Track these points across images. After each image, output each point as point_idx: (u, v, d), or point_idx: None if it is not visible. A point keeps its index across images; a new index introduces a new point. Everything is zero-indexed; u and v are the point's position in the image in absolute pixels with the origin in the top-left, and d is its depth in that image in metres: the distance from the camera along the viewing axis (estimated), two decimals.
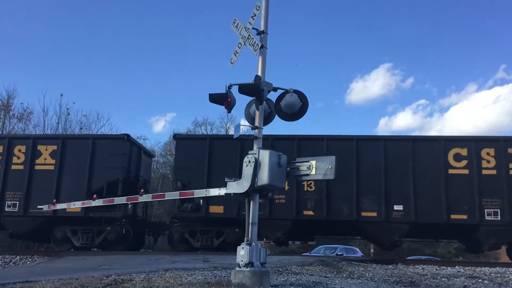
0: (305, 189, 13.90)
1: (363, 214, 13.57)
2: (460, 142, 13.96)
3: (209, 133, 37.51)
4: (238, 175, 13.92)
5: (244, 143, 13.72)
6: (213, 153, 14.37)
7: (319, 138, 14.47)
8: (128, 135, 15.28)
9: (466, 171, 13.48)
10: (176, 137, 15.63)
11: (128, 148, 14.97)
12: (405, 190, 13.47)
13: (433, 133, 73.37)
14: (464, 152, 13.66)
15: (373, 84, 79.18)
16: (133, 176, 15.42)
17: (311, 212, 13.76)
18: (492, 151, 13.56)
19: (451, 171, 13.52)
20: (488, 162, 13.50)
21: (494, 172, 13.39)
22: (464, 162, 13.58)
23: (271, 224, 13.87)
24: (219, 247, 14.02)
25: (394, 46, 77.91)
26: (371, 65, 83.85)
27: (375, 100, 78.99)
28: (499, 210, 13.11)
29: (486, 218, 13.07)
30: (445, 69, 78.53)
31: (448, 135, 14.23)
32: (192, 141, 15.84)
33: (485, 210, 13.14)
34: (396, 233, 13.73)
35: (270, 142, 13.55)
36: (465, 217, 13.17)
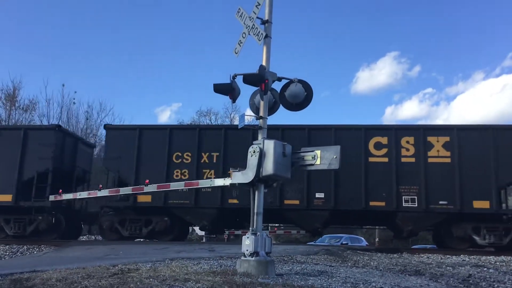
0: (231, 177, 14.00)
1: (286, 202, 13.81)
2: (381, 131, 14.22)
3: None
4: (166, 165, 14.23)
5: (172, 133, 14.45)
6: (142, 143, 14.66)
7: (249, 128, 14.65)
8: (59, 126, 15.63)
9: (385, 159, 13.68)
10: (106, 127, 15.69)
11: (60, 139, 15.16)
12: (327, 178, 13.59)
13: (439, 122, 73.09)
14: (384, 140, 13.84)
15: (379, 73, 78.80)
16: (67, 166, 15.59)
17: (235, 201, 13.92)
18: (411, 139, 13.74)
19: (371, 159, 13.72)
20: (408, 150, 13.67)
21: (413, 160, 13.55)
22: (384, 150, 13.76)
23: (197, 212, 14.21)
24: (148, 236, 14.42)
25: (401, 34, 77.37)
26: (377, 53, 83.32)
27: (381, 89, 78.67)
28: (416, 197, 13.34)
29: (404, 205, 13.32)
30: (452, 57, 77.98)
31: (368, 124, 14.40)
32: (122, 131, 15.80)
33: (403, 197, 13.37)
34: (318, 220, 13.99)
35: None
36: (383, 204, 13.42)
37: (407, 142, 13.73)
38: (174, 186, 7.60)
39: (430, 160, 13.48)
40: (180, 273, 5.58)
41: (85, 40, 61.29)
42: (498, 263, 10.63)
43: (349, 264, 9.00)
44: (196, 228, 29.22)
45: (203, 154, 14.25)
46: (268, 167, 6.10)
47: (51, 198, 10.62)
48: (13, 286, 4.94)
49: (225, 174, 13.60)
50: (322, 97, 67.03)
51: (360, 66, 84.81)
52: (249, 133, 13.62)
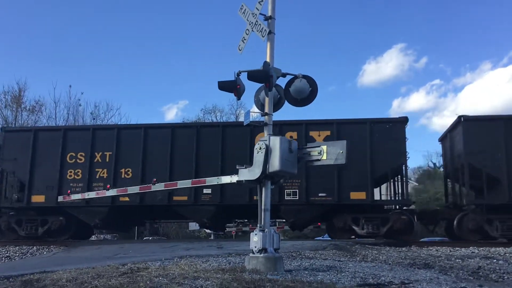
0: (123, 177, 14.63)
1: (175, 198, 14.22)
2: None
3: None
4: (59, 165, 14.76)
5: (66, 134, 15.05)
6: (37, 144, 15.15)
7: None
8: None
9: None
10: (4, 130, 16.26)
11: None
12: (215, 174, 13.63)
13: (447, 113, 72.75)
14: (294, 135, 14.10)
15: (386, 65, 78.59)
16: None
17: (126, 199, 14.29)
18: (294, 134, 14.10)
19: None
20: None
21: None
22: None
23: (89, 211, 14.68)
24: (44, 235, 14.88)
25: (408, 26, 77.06)
26: (384, 46, 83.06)
27: (388, 81, 78.44)
28: (297, 191, 13.73)
29: (286, 198, 13.80)
30: (459, 48, 77.60)
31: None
32: (18, 133, 16.26)
33: (285, 190, 13.77)
34: (205, 215, 14.47)
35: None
36: None
37: (291, 137, 13.73)
38: (182, 184, 7.61)
39: None
40: (189, 271, 5.59)
41: (91, 40, 61.53)
42: (507, 255, 10.58)
43: (358, 258, 8.99)
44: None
45: (96, 154, 14.72)
46: (275, 164, 6.09)
47: (60, 198, 10.66)
48: (24, 287, 4.97)
49: (118, 173, 14.43)
50: (329, 91, 66.96)
51: (366, 59, 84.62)
52: (140, 132, 14.85)
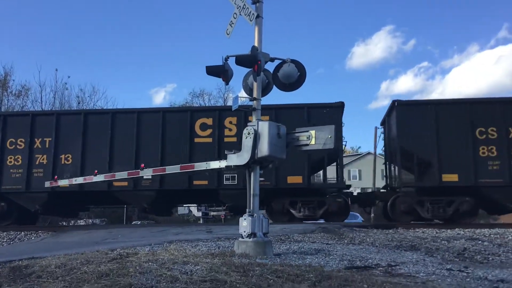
0: (63, 162, 14.75)
1: (115, 184, 14.28)
2: (206, 112, 14.94)
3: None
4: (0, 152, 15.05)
5: (6, 120, 15.08)
6: None
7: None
8: None
9: (210, 140, 14.30)
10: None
11: None
12: (155, 159, 14.15)
13: (434, 95, 73.18)
14: (209, 121, 14.43)
15: (375, 48, 78.72)
16: None
17: (66, 185, 13.96)
18: (234, 119, 14.39)
19: (196, 140, 14.35)
20: (230, 130, 14.31)
21: (234, 139, 14.11)
22: (209, 131, 14.37)
23: (29, 197, 14.79)
24: None
25: (396, 7, 76.87)
26: (373, 28, 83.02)
27: (377, 64, 78.63)
28: (236, 175, 13.98)
29: (224, 183, 14.05)
30: (447, 30, 77.80)
31: (195, 106, 14.95)
32: None
33: (224, 175, 14.02)
34: (145, 200, 14.70)
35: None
36: (206, 182, 14.12)
37: (230, 122, 14.38)
38: (170, 169, 7.61)
39: None
40: (179, 256, 5.62)
41: (77, 23, 60.57)
42: (492, 236, 10.77)
43: (346, 241, 9.09)
44: (193, 209, 29.53)
45: (36, 140, 14.73)
46: (263, 149, 6.10)
47: (47, 184, 10.59)
48: (12, 274, 4.95)
49: (57, 159, 14.47)
50: (317, 74, 66.94)
51: (355, 42, 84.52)
52: (80, 118, 14.91)
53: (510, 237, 10.41)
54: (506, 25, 79.65)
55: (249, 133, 6.19)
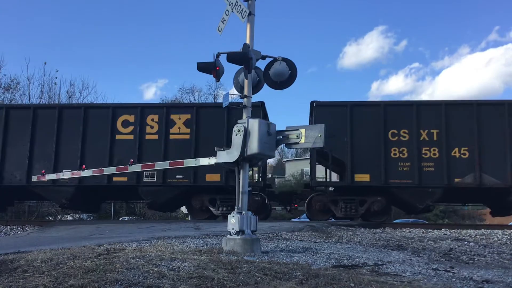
0: None
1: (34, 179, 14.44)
2: (128, 109, 14.93)
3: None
4: None
5: None
6: None
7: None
8: None
9: (131, 137, 14.45)
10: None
11: None
12: (74, 157, 14.41)
13: (424, 97, 73.54)
14: (131, 118, 14.56)
15: (366, 48, 79.03)
16: None
17: None
18: (156, 117, 14.53)
19: (118, 137, 14.50)
20: (152, 127, 14.47)
21: (156, 137, 14.38)
22: (130, 128, 14.50)
23: None
24: None
25: (389, 8, 77.18)
26: (365, 28, 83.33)
27: (368, 64, 78.96)
28: (155, 173, 14.18)
29: (144, 180, 14.20)
30: (438, 31, 78.30)
31: (117, 103, 15.13)
32: None
33: (144, 172, 14.15)
34: (64, 196, 14.76)
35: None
36: (125, 179, 14.28)
37: (152, 120, 14.54)
38: (159, 165, 7.58)
39: (171, 136, 14.37)
40: (166, 252, 5.60)
41: (68, 17, 60.05)
42: (478, 237, 10.89)
43: (333, 240, 9.13)
44: (183, 207, 29.46)
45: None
46: (253, 146, 6.10)
47: (34, 178, 10.51)
48: None
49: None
50: (308, 73, 67.05)
51: (347, 41, 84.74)
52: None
53: (496, 238, 10.53)
54: (497, 28, 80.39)
55: (239, 131, 6.19)
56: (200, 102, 14.15)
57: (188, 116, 14.37)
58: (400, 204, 14.94)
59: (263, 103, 14.57)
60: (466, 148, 13.55)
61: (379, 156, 13.70)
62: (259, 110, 14.29)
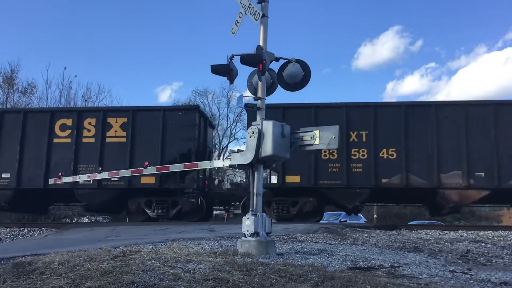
0: None
1: None
2: (66, 113, 15.22)
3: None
4: None
5: None
6: None
7: None
8: (198, 106, 16.21)
9: (68, 140, 14.60)
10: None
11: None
12: (13, 159, 14.65)
13: (440, 97, 72.89)
14: (69, 122, 14.72)
15: (382, 48, 78.46)
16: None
17: None
18: (93, 121, 14.67)
19: (56, 140, 14.65)
20: (89, 131, 14.60)
21: (92, 140, 14.52)
22: (68, 132, 14.66)
23: None
24: None
25: (405, 8, 76.52)
26: (381, 28, 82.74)
27: (383, 64, 78.39)
28: (97, 174, 14.05)
29: (80, 183, 14.06)
30: (455, 31, 77.41)
31: (55, 107, 15.35)
32: None
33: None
34: (2, 199, 14.89)
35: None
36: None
37: (89, 123, 14.74)
38: (173, 168, 7.61)
39: (108, 140, 14.55)
40: (182, 254, 5.62)
41: (86, 21, 60.75)
42: (495, 238, 10.74)
43: (349, 241, 9.08)
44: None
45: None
46: (267, 148, 6.10)
47: (51, 181, 10.64)
48: (15, 270, 4.96)
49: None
50: (323, 74, 66.87)
51: (362, 42, 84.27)
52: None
53: None
54: None
55: (253, 132, 6.19)
56: (137, 106, 14.41)
57: (125, 119, 14.56)
58: (331, 204, 15.13)
59: (197, 106, 15.11)
60: (394, 149, 13.69)
61: (309, 158, 13.82)
62: (194, 114, 14.69)
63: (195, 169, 14.05)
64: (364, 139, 13.79)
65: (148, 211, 14.45)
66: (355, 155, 13.77)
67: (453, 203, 13.47)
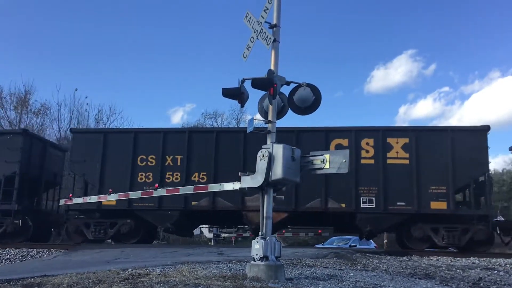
0: None
1: None
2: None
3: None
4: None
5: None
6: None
7: None
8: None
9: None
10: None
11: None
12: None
13: (453, 121, 72.54)
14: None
15: (395, 72, 78.54)
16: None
17: None
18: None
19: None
20: None
21: None
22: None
23: None
24: None
25: (418, 32, 76.76)
26: (394, 52, 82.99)
27: (396, 87, 78.39)
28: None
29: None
30: (468, 55, 77.30)
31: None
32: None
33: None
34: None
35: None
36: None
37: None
38: (184, 190, 7.62)
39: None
40: (190, 277, 5.60)
41: (97, 44, 61.70)
42: (508, 266, 10.57)
43: (359, 267, 8.97)
44: (205, 230, 29.49)
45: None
46: (278, 171, 6.10)
47: (62, 202, 10.68)
48: None
49: None
50: (335, 98, 67.00)
51: (375, 65, 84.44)
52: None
53: None
54: None
55: (263, 156, 6.20)
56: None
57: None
58: (147, 225, 15.19)
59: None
60: (204, 173, 14.29)
61: (126, 181, 14.38)
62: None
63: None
64: (178, 163, 14.44)
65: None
66: (169, 178, 14.41)
67: (255, 225, 13.64)
